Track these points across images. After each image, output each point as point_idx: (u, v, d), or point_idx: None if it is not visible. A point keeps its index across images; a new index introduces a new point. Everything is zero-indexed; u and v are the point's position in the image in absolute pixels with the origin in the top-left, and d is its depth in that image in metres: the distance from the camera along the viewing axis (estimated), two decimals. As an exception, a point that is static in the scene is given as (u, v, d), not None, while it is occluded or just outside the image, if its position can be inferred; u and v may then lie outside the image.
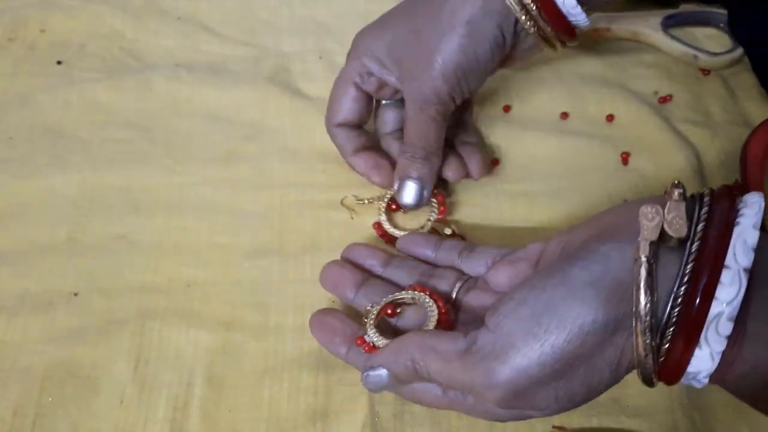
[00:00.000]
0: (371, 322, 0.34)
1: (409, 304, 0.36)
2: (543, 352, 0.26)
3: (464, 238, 0.42)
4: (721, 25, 0.54)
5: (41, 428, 0.35)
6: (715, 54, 0.52)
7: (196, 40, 0.53)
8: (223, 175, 0.45)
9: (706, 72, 0.52)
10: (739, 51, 0.52)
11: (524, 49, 0.39)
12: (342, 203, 0.43)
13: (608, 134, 0.48)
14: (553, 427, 0.35)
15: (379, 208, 0.42)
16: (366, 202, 0.43)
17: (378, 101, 0.44)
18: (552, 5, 0.36)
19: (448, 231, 0.42)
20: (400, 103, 0.42)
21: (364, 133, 0.43)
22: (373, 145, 0.43)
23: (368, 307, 0.36)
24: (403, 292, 0.36)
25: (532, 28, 0.37)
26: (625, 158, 0.46)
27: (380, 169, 0.42)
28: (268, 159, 0.46)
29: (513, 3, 0.36)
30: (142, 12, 0.54)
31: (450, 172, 0.42)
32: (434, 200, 0.42)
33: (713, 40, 0.54)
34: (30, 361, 0.37)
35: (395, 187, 0.41)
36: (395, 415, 0.36)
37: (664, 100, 0.50)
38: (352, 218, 0.43)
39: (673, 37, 0.53)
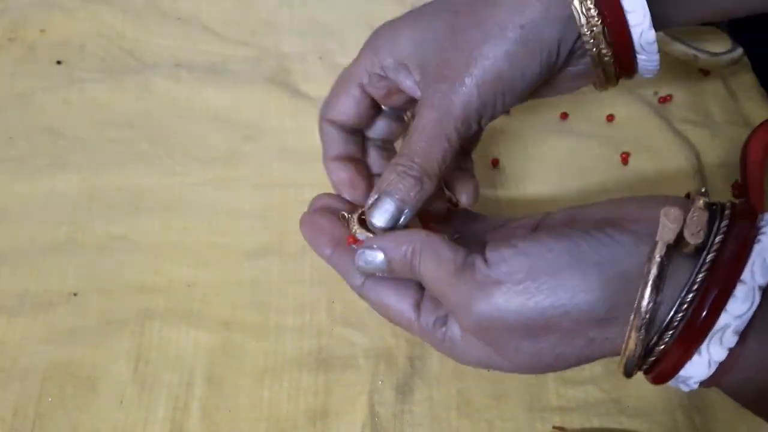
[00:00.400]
0: (355, 222, 0.33)
1: None
2: (525, 305, 0.26)
3: None
4: (721, 25, 0.54)
5: (41, 428, 0.35)
6: (715, 54, 0.52)
7: (196, 40, 0.53)
8: (223, 175, 0.45)
9: (706, 72, 0.52)
10: (739, 51, 0.52)
11: (567, 78, 0.34)
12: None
13: (608, 134, 0.48)
14: (554, 427, 0.35)
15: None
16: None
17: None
18: (622, 23, 0.31)
19: None
20: (400, 112, 0.37)
21: (355, 141, 0.37)
22: (358, 155, 0.37)
23: (344, 213, 0.34)
24: None
25: (593, 48, 0.31)
26: (625, 158, 0.46)
27: (354, 187, 0.36)
28: (268, 159, 0.46)
29: (579, 10, 0.30)
30: (142, 12, 0.54)
31: (464, 196, 0.36)
32: None
33: (713, 40, 0.54)
34: (30, 361, 0.37)
35: (369, 201, 0.32)
36: (395, 415, 0.36)
37: (664, 100, 0.50)
38: None
39: (673, 37, 0.53)
